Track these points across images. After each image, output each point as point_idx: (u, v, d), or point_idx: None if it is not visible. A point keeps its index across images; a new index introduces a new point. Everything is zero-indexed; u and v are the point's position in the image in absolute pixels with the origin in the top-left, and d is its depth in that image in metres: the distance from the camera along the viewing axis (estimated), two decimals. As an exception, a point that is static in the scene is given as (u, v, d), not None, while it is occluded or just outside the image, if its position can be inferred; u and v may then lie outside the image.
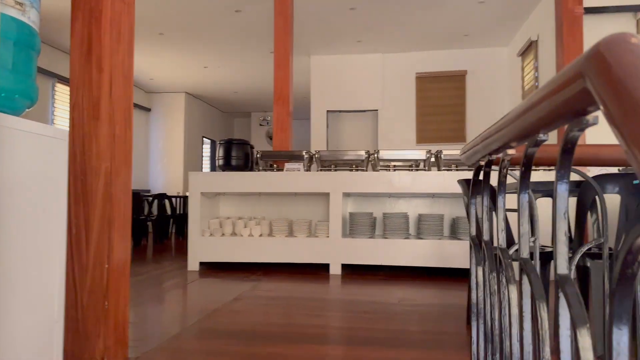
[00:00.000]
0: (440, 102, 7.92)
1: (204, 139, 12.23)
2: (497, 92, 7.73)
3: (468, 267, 4.40)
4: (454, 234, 4.69)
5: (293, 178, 4.70)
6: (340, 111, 8.19)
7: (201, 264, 4.81)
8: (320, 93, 8.15)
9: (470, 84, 7.83)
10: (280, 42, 5.73)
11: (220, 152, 4.96)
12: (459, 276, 4.43)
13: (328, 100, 8.12)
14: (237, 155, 4.91)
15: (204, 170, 12.10)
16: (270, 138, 13.14)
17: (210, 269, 4.80)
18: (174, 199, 9.23)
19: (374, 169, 4.72)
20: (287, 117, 5.50)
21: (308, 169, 4.82)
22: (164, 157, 10.94)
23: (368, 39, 7.39)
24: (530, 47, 6.33)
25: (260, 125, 13.44)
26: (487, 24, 6.76)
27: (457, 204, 4.92)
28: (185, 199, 9.38)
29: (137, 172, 10.49)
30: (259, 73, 9.24)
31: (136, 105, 10.41)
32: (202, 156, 12.10)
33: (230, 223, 4.91)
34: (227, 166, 4.93)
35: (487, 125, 7.77)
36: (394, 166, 4.77)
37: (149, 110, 10.98)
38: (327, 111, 8.13)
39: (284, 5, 5.69)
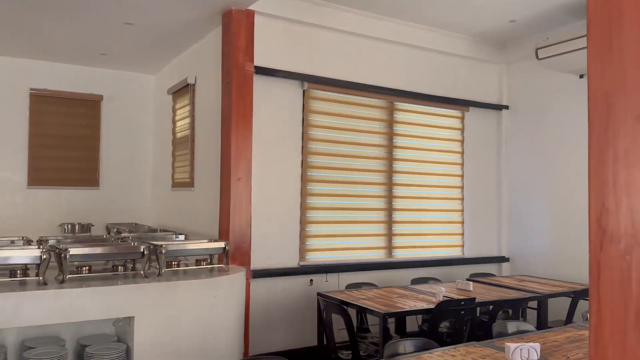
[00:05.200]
0: (64, 132, 6.02)
1: None
2: (141, 129, 6.45)
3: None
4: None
5: None
6: None
7: None
8: None
9: (107, 113, 6.26)
10: None
11: None
12: None
13: None
14: None
15: None
16: None
17: None
18: None
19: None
20: None
21: None
22: None
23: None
24: (185, 89, 5.38)
25: None
26: (132, 47, 5.41)
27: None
28: None
29: None
30: None
31: None
32: None
33: None
34: None
35: (127, 167, 6.39)
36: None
37: None
38: None
39: None
